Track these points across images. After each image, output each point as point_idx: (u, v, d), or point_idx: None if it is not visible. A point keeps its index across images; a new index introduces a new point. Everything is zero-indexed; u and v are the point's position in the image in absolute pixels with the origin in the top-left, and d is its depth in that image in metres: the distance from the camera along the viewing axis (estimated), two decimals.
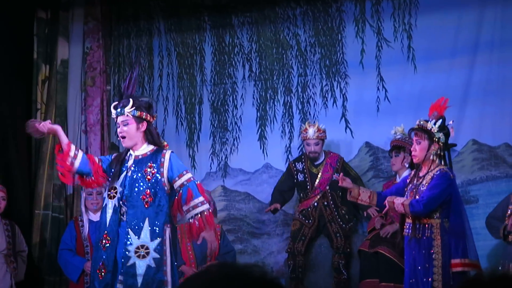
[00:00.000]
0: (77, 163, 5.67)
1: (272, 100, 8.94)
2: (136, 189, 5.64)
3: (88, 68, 9.31)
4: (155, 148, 5.78)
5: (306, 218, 8.15)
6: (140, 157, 5.74)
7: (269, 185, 8.68)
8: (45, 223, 8.71)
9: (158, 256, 5.59)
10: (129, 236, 5.59)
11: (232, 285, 1.57)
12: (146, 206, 5.60)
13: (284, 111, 8.88)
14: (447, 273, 5.90)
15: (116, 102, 5.84)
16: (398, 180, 7.72)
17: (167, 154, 5.73)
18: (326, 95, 8.71)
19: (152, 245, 5.59)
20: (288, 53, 8.93)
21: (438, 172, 5.98)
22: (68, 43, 9.31)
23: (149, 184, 5.64)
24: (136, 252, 5.58)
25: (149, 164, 5.69)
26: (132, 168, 5.71)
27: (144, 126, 5.75)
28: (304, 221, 8.13)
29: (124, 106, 5.70)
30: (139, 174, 5.67)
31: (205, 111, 9.17)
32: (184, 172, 5.70)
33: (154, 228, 5.61)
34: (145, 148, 5.77)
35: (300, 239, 8.11)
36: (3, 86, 8.89)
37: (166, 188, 5.68)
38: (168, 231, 5.67)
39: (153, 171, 5.67)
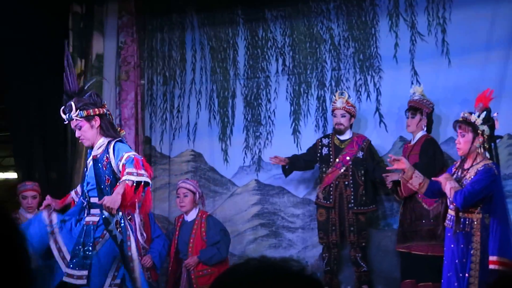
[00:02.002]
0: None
1: (305, 94, 8.95)
2: (98, 180, 5.68)
3: (122, 62, 9.37)
4: (107, 141, 5.73)
5: (326, 198, 8.13)
6: (97, 156, 5.72)
7: (303, 179, 8.70)
8: None
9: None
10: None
11: (270, 280, 1.57)
12: (107, 189, 5.63)
13: (317, 105, 8.89)
14: (485, 270, 5.85)
15: (63, 107, 5.80)
16: (413, 142, 7.75)
17: (111, 145, 5.68)
18: (360, 89, 8.70)
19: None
20: (322, 47, 8.93)
21: (483, 167, 5.96)
22: (103, 37, 9.38)
23: (107, 172, 5.65)
24: (116, 228, 5.66)
25: (104, 159, 5.67)
26: (90, 166, 5.76)
27: (97, 121, 5.75)
28: (325, 203, 8.10)
29: (70, 111, 5.70)
30: (99, 171, 5.69)
31: (238, 105, 9.19)
32: (124, 154, 5.61)
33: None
34: (101, 144, 5.75)
35: (331, 230, 8.11)
36: (39, 81, 8.97)
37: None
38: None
39: (105, 166, 5.66)
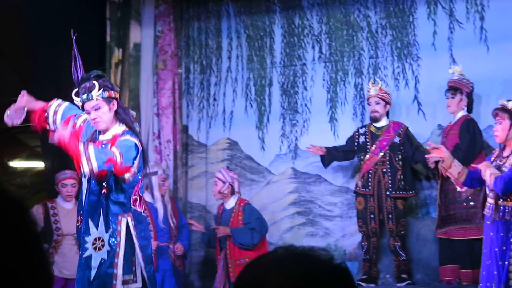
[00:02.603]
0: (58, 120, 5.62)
1: (342, 82, 8.92)
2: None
3: (160, 51, 9.41)
4: (123, 130, 5.41)
5: (365, 186, 8.11)
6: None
7: (341, 167, 8.68)
8: None
9: (110, 248, 5.33)
10: (88, 225, 5.37)
11: (297, 268, 1.56)
12: (102, 196, 5.35)
13: (355, 93, 8.86)
14: None
15: (76, 89, 5.52)
16: (453, 122, 7.70)
17: (123, 136, 5.38)
18: (398, 77, 8.65)
19: (106, 237, 5.34)
20: (359, 34, 8.89)
21: None
22: (140, 26, 9.41)
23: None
24: (93, 244, 5.35)
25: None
26: None
27: (114, 105, 5.45)
28: (363, 190, 8.09)
29: (91, 90, 5.40)
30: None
31: (275, 93, 9.19)
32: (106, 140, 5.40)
33: (108, 218, 5.35)
34: (116, 129, 5.45)
35: (370, 218, 8.10)
36: None
37: (126, 178, 5.34)
38: (124, 222, 5.35)
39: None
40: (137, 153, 5.32)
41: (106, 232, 5.34)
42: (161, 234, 7.90)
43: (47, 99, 8.50)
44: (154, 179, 7.95)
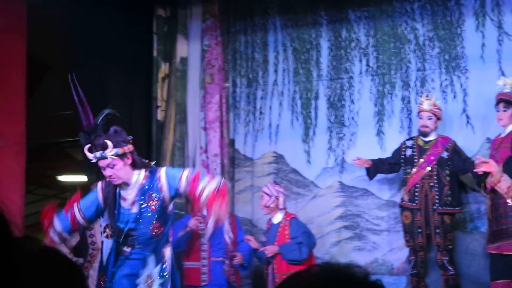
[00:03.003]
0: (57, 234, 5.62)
1: (390, 95, 8.86)
2: (142, 221, 5.50)
3: (207, 65, 9.44)
4: (146, 173, 5.55)
5: (411, 200, 8.03)
6: (136, 188, 5.53)
7: (387, 180, 8.62)
8: None
9: (162, 280, 5.47)
10: (138, 269, 5.51)
11: (332, 286, 1.53)
12: (155, 238, 5.50)
13: (402, 106, 8.79)
14: None
15: (89, 145, 5.48)
16: (503, 135, 7.58)
17: (162, 174, 5.54)
18: (446, 90, 8.57)
19: (156, 271, 5.48)
20: (406, 47, 8.83)
21: None
22: (187, 40, 9.48)
23: (156, 216, 5.50)
24: (145, 282, 5.48)
25: (149, 193, 5.50)
26: (137, 202, 5.53)
27: (130, 159, 5.52)
28: (410, 204, 8.01)
29: (104, 149, 5.43)
30: (143, 206, 5.50)
31: (321, 106, 9.16)
32: (182, 173, 5.52)
33: (157, 254, 5.53)
34: (138, 177, 5.55)
35: (417, 233, 8.02)
36: (125, 84, 9.12)
37: (169, 209, 5.56)
38: (167, 252, 5.54)
39: (155, 201, 5.49)
40: None
41: (155, 266, 5.51)
42: (215, 249, 7.88)
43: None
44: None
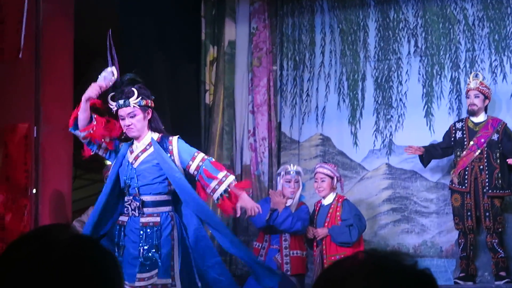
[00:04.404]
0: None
1: (438, 76, 8.79)
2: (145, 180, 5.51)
3: (254, 49, 9.44)
4: (160, 135, 5.59)
5: (461, 183, 7.96)
6: (152, 150, 5.54)
7: (436, 163, 8.54)
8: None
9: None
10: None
11: (379, 274, 1.49)
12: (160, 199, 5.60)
13: (451, 87, 8.72)
14: None
15: (113, 93, 5.53)
16: None
17: (174, 140, 5.57)
18: (496, 71, 8.47)
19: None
20: (455, 27, 8.73)
21: None
22: (235, 24, 9.48)
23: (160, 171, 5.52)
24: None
25: (168, 153, 5.54)
26: (142, 160, 5.55)
27: (150, 114, 5.55)
28: (460, 187, 7.95)
29: (129, 97, 5.45)
30: (148, 166, 5.51)
31: (368, 88, 9.11)
32: (196, 154, 5.54)
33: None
34: (149, 136, 5.58)
35: (467, 216, 7.96)
36: (173, 68, 9.17)
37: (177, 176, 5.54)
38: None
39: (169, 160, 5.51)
40: None
41: None
42: (273, 236, 7.86)
43: None
44: (279, 180, 7.96)
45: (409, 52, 8.95)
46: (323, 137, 9.22)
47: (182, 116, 9.12)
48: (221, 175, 5.48)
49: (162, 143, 5.55)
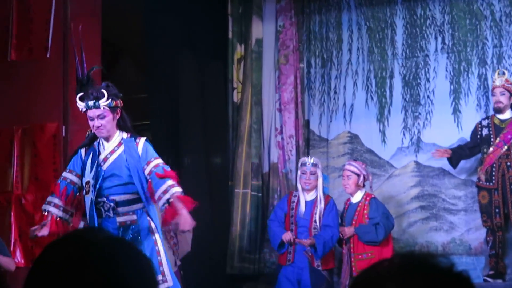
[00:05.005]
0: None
1: (466, 73, 8.75)
2: (124, 175, 5.50)
3: (281, 46, 9.44)
4: (128, 135, 5.58)
5: (488, 180, 7.92)
6: (121, 150, 5.53)
7: (465, 160, 8.50)
8: (244, 202, 8.92)
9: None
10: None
11: (416, 277, 1.47)
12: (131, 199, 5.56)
13: (479, 83, 8.68)
14: None
15: (81, 93, 5.48)
16: None
17: (141, 141, 5.55)
18: None
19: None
20: (482, 23, 8.69)
21: None
22: (261, 21, 9.47)
23: (128, 173, 5.49)
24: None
25: (133, 153, 5.50)
26: (112, 160, 5.52)
27: (119, 113, 5.53)
28: (487, 184, 7.91)
29: (98, 99, 5.41)
30: (130, 165, 5.47)
31: (396, 85, 9.08)
32: (153, 159, 5.47)
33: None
34: (118, 136, 5.57)
35: (495, 213, 7.92)
36: (200, 66, 9.19)
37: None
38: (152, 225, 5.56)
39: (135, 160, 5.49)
40: None
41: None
42: (301, 231, 7.85)
43: (168, 94, 8.66)
44: (298, 172, 8.00)
45: (436, 49, 8.92)
46: (351, 135, 9.21)
47: (210, 114, 9.15)
48: (168, 183, 5.40)
49: (131, 144, 5.54)
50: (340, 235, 7.74)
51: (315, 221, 7.79)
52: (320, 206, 7.80)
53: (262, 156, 9.29)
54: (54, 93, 7.60)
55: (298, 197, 7.90)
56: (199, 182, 8.68)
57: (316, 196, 7.83)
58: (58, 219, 5.54)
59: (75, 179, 5.62)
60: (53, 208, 5.57)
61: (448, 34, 8.87)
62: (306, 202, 7.85)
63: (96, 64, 6.47)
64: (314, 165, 7.90)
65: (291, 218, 7.87)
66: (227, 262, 8.83)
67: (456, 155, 8.25)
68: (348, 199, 7.95)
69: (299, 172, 7.94)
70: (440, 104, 8.82)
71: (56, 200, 5.57)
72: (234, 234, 8.81)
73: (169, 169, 5.50)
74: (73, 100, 5.78)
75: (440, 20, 8.93)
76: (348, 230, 7.70)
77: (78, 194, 5.62)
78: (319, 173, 7.92)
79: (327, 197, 7.97)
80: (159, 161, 5.50)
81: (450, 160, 8.29)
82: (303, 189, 7.86)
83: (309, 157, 8.17)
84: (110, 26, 8.21)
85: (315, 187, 7.88)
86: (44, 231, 5.49)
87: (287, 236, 7.70)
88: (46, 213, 5.62)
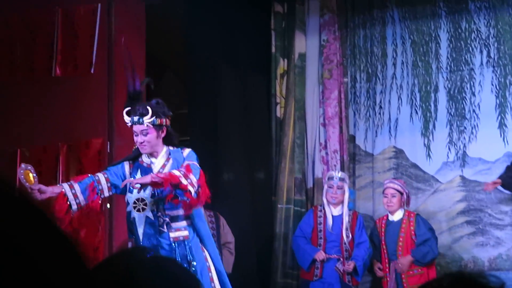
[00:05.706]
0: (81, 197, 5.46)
1: (511, 87, 8.68)
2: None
3: (325, 61, 9.42)
4: (174, 148, 5.58)
5: None
6: (166, 163, 5.52)
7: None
8: (287, 217, 8.89)
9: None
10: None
11: None
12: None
13: None
14: None
15: (129, 108, 5.48)
16: None
17: (186, 151, 5.56)
18: None
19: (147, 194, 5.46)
20: None
21: None
22: (305, 36, 9.47)
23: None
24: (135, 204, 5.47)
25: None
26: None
27: (164, 132, 5.50)
28: None
29: (143, 115, 5.40)
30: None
31: (441, 99, 9.01)
32: (186, 161, 5.42)
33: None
34: (166, 151, 5.57)
35: None
36: (243, 81, 9.21)
37: None
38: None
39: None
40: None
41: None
42: (330, 246, 7.84)
43: (209, 109, 8.67)
44: (324, 186, 8.01)
45: (481, 63, 8.84)
46: (396, 150, 9.14)
47: (253, 129, 9.14)
48: (180, 171, 5.29)
49: (177, 156, 5.54)
50: (396, 270, 7.68)
51: (346, 237, 7.79)
52: (346, 221, 7.81)
53: (305, 171, 9.26)
54: (99, 109, 7.65)
55: (324, 211, 7.90)
56: (243, 197, 8.69)
57: (343, 211, 7.84)
58: (66, 199, 5.42)
59: (103, 180, 5.55)
60: (67, 187, 5.48)
61: (493, 47, 8.79)
62: (333, 217, 7.85)
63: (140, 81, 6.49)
64: (342, 179, 7.92)
65: (319, 233, 7.86)
66: (271, 278, 8.80)
67: (507, 179, 8.11)
68: (383, 218, 7.94)
69: (325, 186, 7.97)
70: (485, 118, 8.73)
71: (75, 185, 5.48)
72: (277, 249, 8.78)
73: (197, 170, 5.38)
74: (118, 115, 5.80)
75: (485, 33, 8.85)
76: (405, 261, 7.64)
77: (98, 195, 5.53)
78: (346, 187, 7.93)
79: (354, 213, 7.99)
80: (190, 162, 5.43)
81: (503, 186, 8.16)
82: (329, 203, 7.87)
83: (337, 171, 8.17)
84: (153, 41, 8.26)
85: (341, 201, 7.88)
86: (43, 195, 5.31)
87: (321, 256, 7.70)
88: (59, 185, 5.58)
